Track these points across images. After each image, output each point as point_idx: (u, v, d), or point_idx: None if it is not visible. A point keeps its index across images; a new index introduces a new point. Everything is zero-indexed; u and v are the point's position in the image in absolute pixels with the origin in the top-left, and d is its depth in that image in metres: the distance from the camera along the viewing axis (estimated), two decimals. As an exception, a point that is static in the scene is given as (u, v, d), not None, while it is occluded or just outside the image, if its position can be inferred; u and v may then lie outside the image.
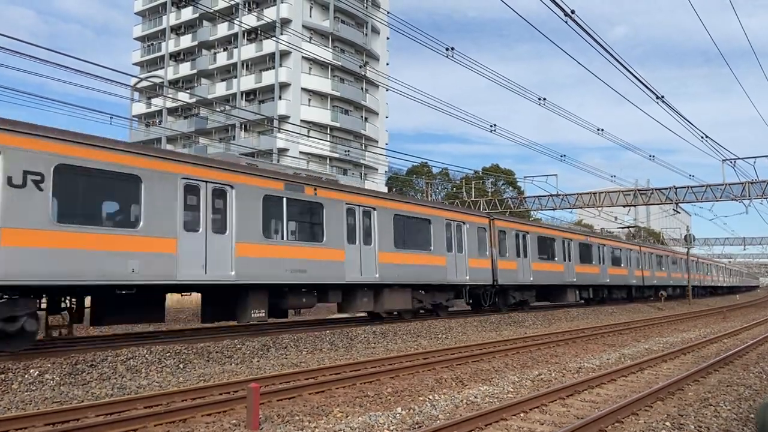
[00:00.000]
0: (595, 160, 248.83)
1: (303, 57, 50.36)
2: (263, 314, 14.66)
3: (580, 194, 37.27)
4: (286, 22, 52.63)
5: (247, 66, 56.91)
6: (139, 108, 62.28)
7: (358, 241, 16.95)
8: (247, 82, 56.36)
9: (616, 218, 51.69)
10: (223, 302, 14.53)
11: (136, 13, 66.59)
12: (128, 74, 21.25)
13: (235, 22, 51.61)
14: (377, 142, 61.28)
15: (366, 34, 60.42)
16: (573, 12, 12.70)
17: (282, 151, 51.70)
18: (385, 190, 54.32)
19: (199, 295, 15.41)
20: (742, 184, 32.10)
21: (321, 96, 56.01)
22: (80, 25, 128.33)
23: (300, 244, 15.40)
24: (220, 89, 57.90)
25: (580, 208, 39.39)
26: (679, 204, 35.90)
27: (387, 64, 64.61)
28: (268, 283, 14.43)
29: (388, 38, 64.65)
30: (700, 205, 37.73)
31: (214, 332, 16.20)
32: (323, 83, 56.03)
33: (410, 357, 12.88)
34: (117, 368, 10.44)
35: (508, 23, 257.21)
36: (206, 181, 13.23)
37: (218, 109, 54.62)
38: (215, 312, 14.87)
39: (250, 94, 56.66)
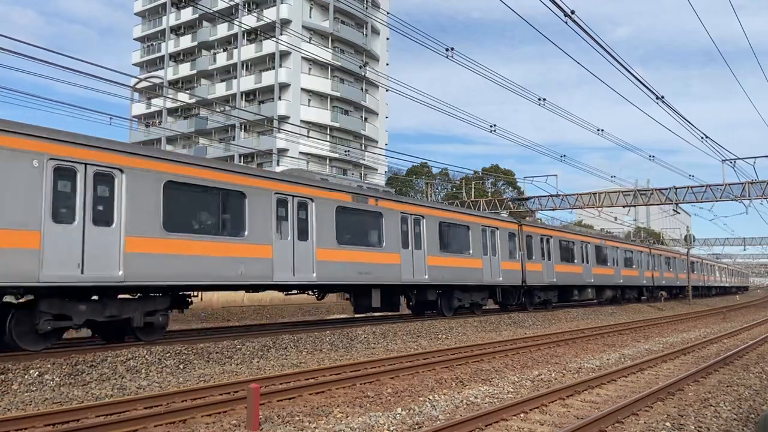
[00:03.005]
0: (596, 160, 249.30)
1: (303, 57, 50.37)
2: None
3: (580, 194, 37.33)
4: (285, 23, 52.65)
5: (246, 66, 56.93)
6: (139, 108, 62.31)
7: None
8: (246, 82, 56.38)
9: (616, 218, 51.79)
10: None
11: (135, 14, 66.61)
12: (128, 75, 21.24)
13: (235, 22, 51.64)
14: (377, 142, 61.31)
15: (366, 35, 60.45)
16: (573, 12, 12.70)
17: (282, 152, 51.73)
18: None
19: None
20: (742, 184, 32.15)
21: (321, 96, 56.04)
22: (85, 26, 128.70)
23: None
24: (220, 90, 57.93)
25: (580, 208, 39.45)
26: (679, 204, 35.96)
27: (387, 64, 64.66)
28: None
29: (388, 39, 64.72)
30: (700, 205, 37.88)
31: (215, 332, 16.19)
32: (323, 83, 56.06)
33: (410, 357, 12.88)
34: (117, 369, 10.43)
35: (511, 24, 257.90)
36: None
37: (218, 110, 54.64)
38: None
39: (249, 95, 56.68)
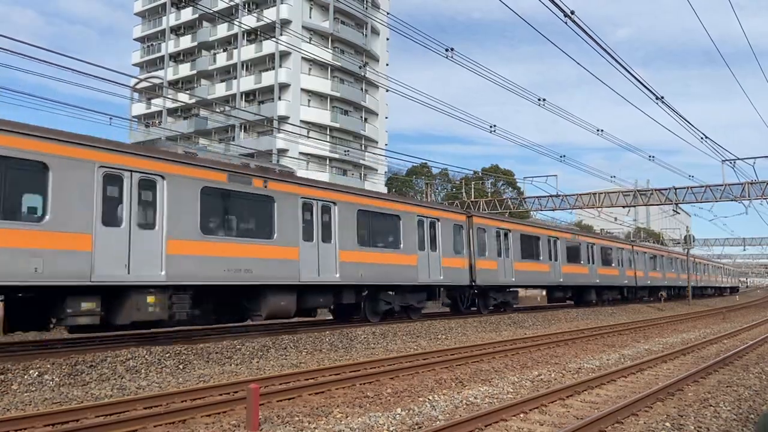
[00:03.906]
0: (596, 160, 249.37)
1: (303, 58, 50.36)
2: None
3: (580, 195, 37.33)
4: (285, 23, 52.62)
5: (246, 67, 56.91)
6: (139, 108, 62.28)
7: None
8: (246, 82, 56.36)
9: (615, 219, 51.83)
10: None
11: (135, 14, 66.58)
12: (128, 75, 21.26)
13: (235, 22, 51.61)
14: (377, 142, 61.28)
15: (366, 35, 60.43)
16: (573, 13, 12.69)
17: (281, 152, 51.72)
18: (384, 190, 54.34)
19: None
20: (742, 184, 32.15)
21: (321, 96, 56.01)
22: (85, 26, 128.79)
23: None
24: (220, 90, 57.89)
25: (580, 208, 39.44)
26: (679, 204, 35.97)
27: (387, 64, 64.62)
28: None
29: (388, 39, 64.69)
30: (699, 205, 37.87)
31: (214, 333, 16.18)
32: (323, 84, 56.04)
33: (410, 357, 12.88)
34: (116, 369, 10.43)
35: (511, 25, 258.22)
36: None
37: (218, 110, 54.62)
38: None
39: (249, 95, 56.65)
